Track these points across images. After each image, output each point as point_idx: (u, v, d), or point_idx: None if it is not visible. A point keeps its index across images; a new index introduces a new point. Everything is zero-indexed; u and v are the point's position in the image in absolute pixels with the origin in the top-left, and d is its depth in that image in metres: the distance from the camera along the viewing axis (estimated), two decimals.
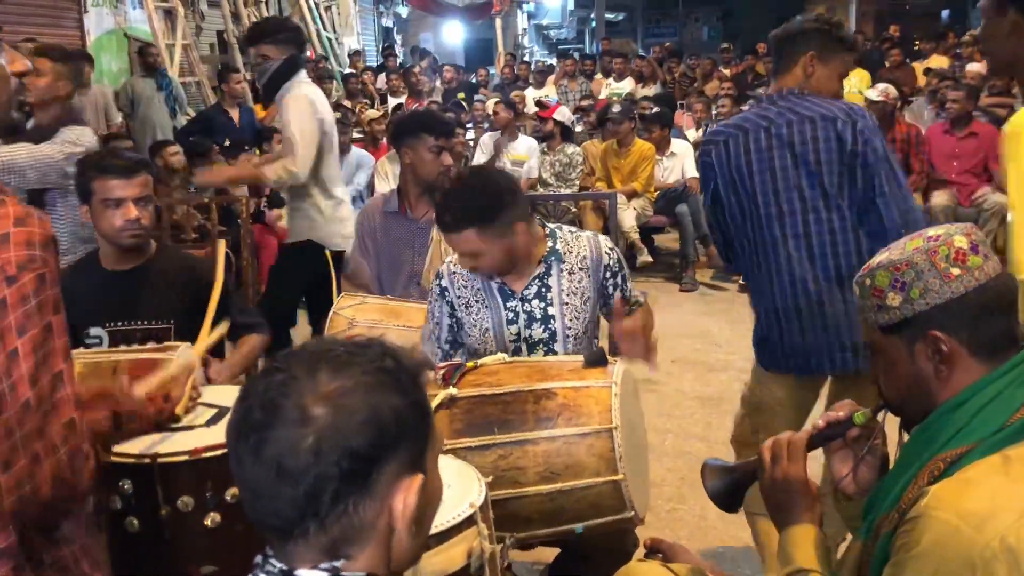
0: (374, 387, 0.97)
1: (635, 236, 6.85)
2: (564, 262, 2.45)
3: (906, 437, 1.50)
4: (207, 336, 2.09)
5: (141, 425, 1.75)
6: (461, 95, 10.22)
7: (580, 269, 2.46)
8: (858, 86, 9.24)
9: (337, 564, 0.97)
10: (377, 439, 0.96)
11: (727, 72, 11.35)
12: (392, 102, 9.54)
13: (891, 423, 1.57)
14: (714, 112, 8.18)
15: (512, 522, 1.99)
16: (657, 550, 1.96)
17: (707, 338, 5.71)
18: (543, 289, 2.44)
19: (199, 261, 2.88)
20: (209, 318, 2.12)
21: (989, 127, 6.54)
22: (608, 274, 2.48)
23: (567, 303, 2.44)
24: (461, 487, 1.75)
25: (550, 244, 2.46)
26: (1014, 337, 1.40)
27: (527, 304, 2.44)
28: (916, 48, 10.71)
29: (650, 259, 6.89)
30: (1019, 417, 1.32)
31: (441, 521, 1.60)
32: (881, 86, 6.86)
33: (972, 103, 6.56)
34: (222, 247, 2.33)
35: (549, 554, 2.55)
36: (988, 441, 1.32)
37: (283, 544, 0.97)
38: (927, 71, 8.79)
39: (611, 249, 2.50)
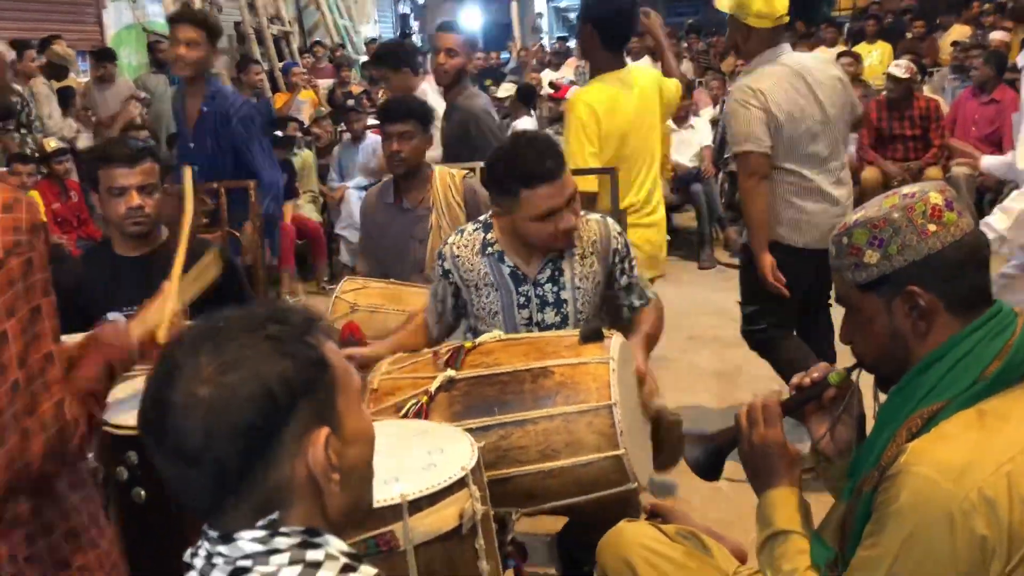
0: (257, 358, 0.96)
1: None
2: (575, 247, 2.44)
3: (883, 397, 1.52)
4: (180, 264, 2.06)
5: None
6: (488, 81, 10.20)
7: (591, 253, 2.45)
8: (879, 59, 9.12)
9: (274, 517, 0.97)
10: (267, 409, 0.95)
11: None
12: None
13: (865, 382, 1.59)
14: (728, 89, 8.10)
15: (515, 498, 2.02)
16: (657, 514, 1.99)
17: (725, 315, 5.68)
18: (556, 273, 2.43)
19: (210, 247, 2.92)
20: (182, 247, 2.10)
21: (1011, 94, 6.41)
22: (617, 259, 2.48)
23: (579, 287, 2.44)
24: (453, 451, 1.78)
25: None
26: (987, 292, 1.42)
27: (539, 288, 2.43)
28: (938, 21, 10.51)
29: (667, 237, 6.87)
30: (992, 371, 1.34)
31: (433, 483, 1.64)
32: (903, 62, 6.77)
33: (995, 69, 6.45)
34: (188, 175, 2.25)
35: (557, 525, 2.59)
36: (963, 396, 1.34)
37: (214, 519, 0.99)
38: (954, 44, 8.65)
39: (619, 233, 2.49)
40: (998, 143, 6.36)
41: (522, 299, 2.43)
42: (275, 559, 0.95)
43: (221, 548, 0.97)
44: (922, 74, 7.18)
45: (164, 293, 1.94)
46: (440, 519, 1.62)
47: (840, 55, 8.27)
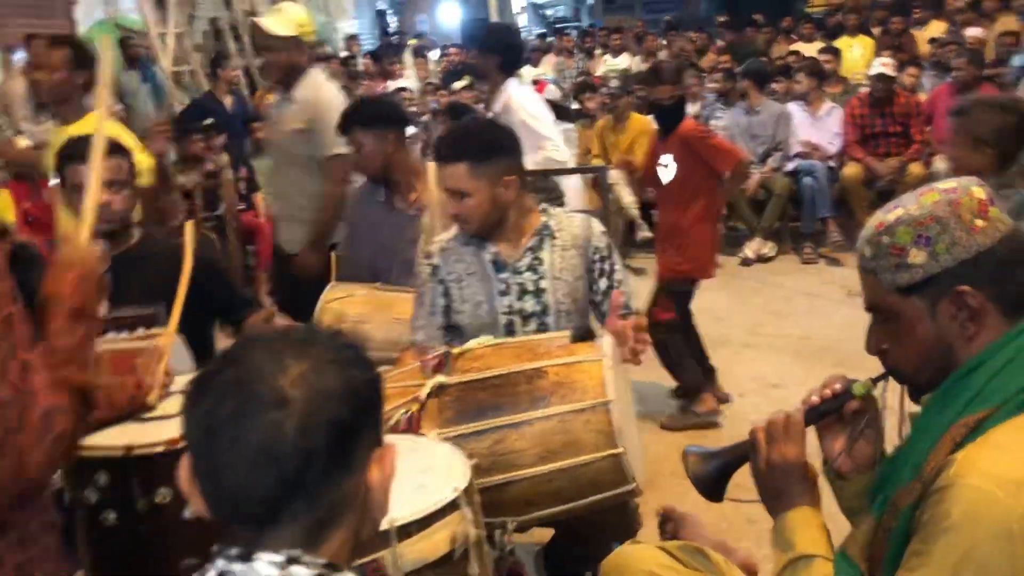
0: (341, 363, 1.01)
1: (635, 212, 6.80)
2: (556, 238, 2.45)
3: (910, 407, 1.45)
4: (176, 321, 2.05)
5: (112, 413, 1.69)
6: (467, 77, 10.07)
7: (572, 247, 2.45)
8: (861, 53, 9.10)
9: (295, 553, 0.96)
10: (356, 410, 0.99)
11: (723, 44, 11.21)
12: (392, 85, 9.43)
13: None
14: (708, 85, 8.07)
15: (512, 506, 1.96)
16: (669, 519, 1.93)
17: (708, 312, 5.63)
18: (535, 262, 2.43)
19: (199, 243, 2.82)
20: (179, 303, 2.07)
21: (996, 92, 6.41)
22: (597, 256, 2.46)
23: (559, 278, 2.42)
24: (444, 470, 1.70)
25: (543, 219, 2.46)
26: None
27: (519, 276, 2.42)
28: (917, 14, 10.53)
29: (650, 234, 6.82)
30: None
31: (423, 506, 1.56)
32: (889, 60, 6.73)
33: (978, 68, 6.46)
34: (190, 229, 2.29)
35: (546, 534, 2.52)
36: (1012, 402, 1.25)
37: (261, 532, 0.97)
38: (932, 40, 8.65)
39: (603, 233, 2.50)
40: None
41: (502, 286, 2.42)
42: None
43: (236, 567, 0.96)
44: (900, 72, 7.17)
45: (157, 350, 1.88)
46: (431, 545, 1.55)
47: (821, 51, 8.26)
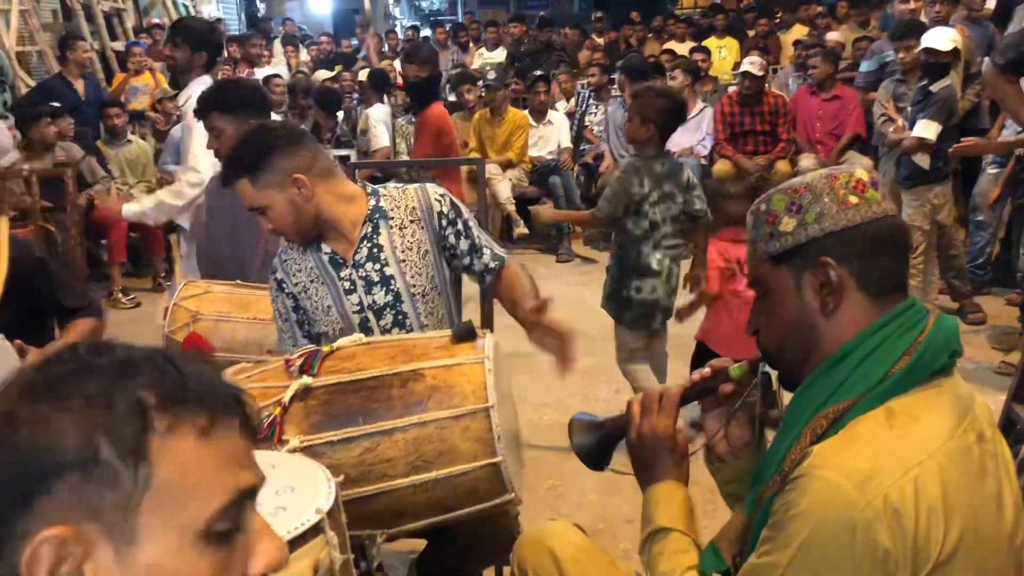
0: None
1: (511, 207, 6.76)
2: (391, 218, 2.29)
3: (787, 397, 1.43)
4: None
5: None
6: (339, 67, 9.78)
7: (411, 222, 2.30)
8: (727, 55, 9.36)
9: None
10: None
11: (600, 41, 11.31)
12: (260, 73, 9.04)
13: None
14: (583, 82, 8.12)
15: (382, 518, 1.82)
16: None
17: (585, 307, 5.65)
18: (374, 250, 2.27)
19: (19, 244, 2.56)
20: None
21: (851, 91, 6.70)
22: (444, 222, 2.32)
23: (404, 260, 2.28)
24: (305, 488, 1.54)
25: (372, 202, 2.30)
26: (903, 282, 1.33)
27: (361, 269, 2.27)
28: (778, 19, 10.90)
29: (526, 231, 6.83)
30: (900, 367, 1.25)
31: (281, 532, 1.37)
32: (756, 59, 6.93)
33: (833, 66, 6.75)
34: (3, 225, 2.05)
35: (419, 542, 2.40)
36: (871, 394, 1.24)
37: None
38: (796, 43, 8.98)
39: (441, 196, 2.34)
40: (841, 134, 6.65)
41: (346, 284, 2.28)
42: None
43: None
44: (766, 71, 7.40)
45: None
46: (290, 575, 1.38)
47: (692, 51, 8.43)
